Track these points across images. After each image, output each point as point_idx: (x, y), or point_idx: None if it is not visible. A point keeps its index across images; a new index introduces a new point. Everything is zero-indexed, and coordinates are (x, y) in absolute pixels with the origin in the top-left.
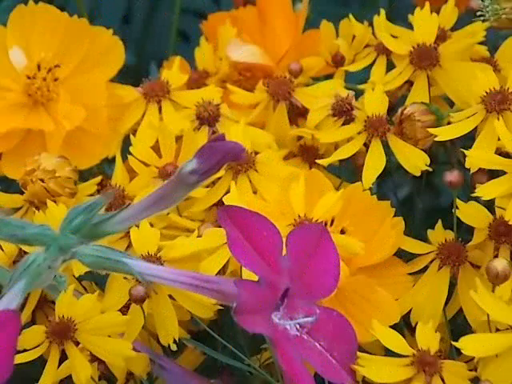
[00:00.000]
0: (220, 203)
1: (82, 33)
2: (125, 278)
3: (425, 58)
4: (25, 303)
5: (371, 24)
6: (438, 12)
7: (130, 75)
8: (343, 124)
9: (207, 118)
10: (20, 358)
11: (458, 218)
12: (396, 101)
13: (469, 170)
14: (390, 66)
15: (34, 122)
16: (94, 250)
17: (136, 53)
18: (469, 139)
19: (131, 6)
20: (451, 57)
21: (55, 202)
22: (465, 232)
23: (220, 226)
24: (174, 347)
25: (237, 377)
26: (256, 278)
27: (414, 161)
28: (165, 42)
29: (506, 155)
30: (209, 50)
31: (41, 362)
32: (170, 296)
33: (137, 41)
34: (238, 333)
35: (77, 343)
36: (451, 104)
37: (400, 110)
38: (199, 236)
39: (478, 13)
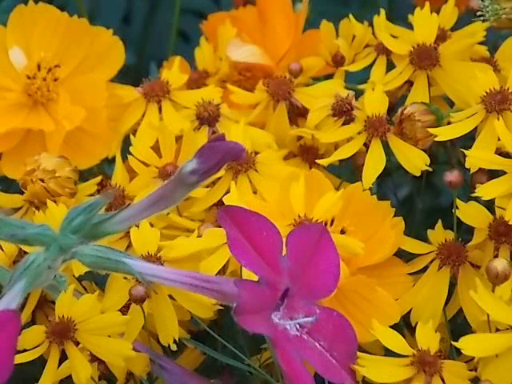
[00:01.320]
0: (220, 203)
1: (82, 33)
2: (125, 278)
3: (425, 57)
4: (25, 303)
5: (371, 24)
6: (438, 12)
7: (130, 75)
8: (343, 124)
9: (207, 117)
10: (20, 358)
11: (458, 218)
12: (396, 101)
13: (469, 170)
14: (390, 66)
15: (33, 122)
16: (94, 250)
17: (136, 53)
18: (469, 139)
19: (131, 6)
20: (451, 57)
21: (55, 201)
22: (465, 232)
23: (220, 226)
24: (173, 347)
25: (237, 377)
26: (256, 278)
27: (414, 161)
28: (165, 42)
29: (506, 155)
30: (209, 50)
31: (41, 361)
32: (170, 296)
33: (137, 41)
34: (237, 333)
35: (77, 343)
36: (451, 104)
37: (400, 110)
38: (199, 236)
39: (478, 13)
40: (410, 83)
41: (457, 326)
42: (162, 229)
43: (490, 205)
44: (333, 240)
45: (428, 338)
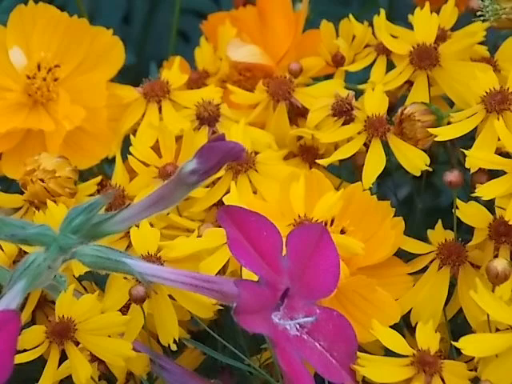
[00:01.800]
0: (220, 203)
1: (82, 33)
2: (125, 278)
3: (425, 57)
4: (25, 303)
5: (371, 24)
6: (438, 12)
7: (130, 75)
8: (343, 124)
9: (207, 117)
10: (20, 358)
11: (458, 218)
12: (396, 101)
13: (469, 170)
14: (390, 66)
15: (33, 122)
16: (94, 250)
17: (136, 53)
18: (469, 139)
19: (131, 6)
20: (451, 57)
21: (55, 201)
22: (465, 232)
23: (220, 226)
24: (174, 347)
25: (237, 377)
26: (256, 278)
27: (414, 161)
28: (165, 42)
29: (506, 155)
30: (209, 50)
31: (41, 361)
32: (170, 296)
33: (137, 41)
34: (237, 333)
35: (77, 343)
36: (451, 104)
37: (400, 110)
38: (199, 236)
39: (478, 13)
40: (410, 83)
41: (457, 326)
42: (162, 229)
43: (490, 205)
44: (333, 240)
45: (428, 338)
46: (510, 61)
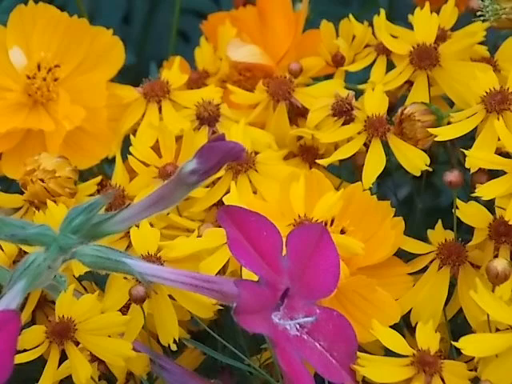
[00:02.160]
0: (220, 203)
1: (82, 33)
2: (125, 278)
3: (425, 57)
4: (25, 303)
5: (371, 24)
6: (438, 12)
7: (130, 75)
8: (343, 124)
9: (207, 117)
10: (20, 358)
11: (458, 218)
12: (396, 101)
13: (469, 169)
14: (390, 66)
15: (33, 122)
16: (94, 250)
17: (136, 53)
18: (469, 139)
19: (131, 6)
20: (451, 57)
21: (55, 201)
22: (465, 232)
23: (220, 226)
24: (174, 347)
25: (237, 377)
26: (256, 278)
27: (414, 161)
28: (165, 42)
29: (506, 155)
30: (209, 50)
31: (41, 361)
32: (170, 296)
33: (137, 41)
34: (237, 333)
35: (77, 343)
36: (451, 104)
37: (400, 110)
38: (199, 236)
39: (478, 13)
40: (410, 83)
41: (457, 326)
42: (162, 229)
43: (490, 205)
44: (333, 240)
45: (428, 338)
46: (510, 61)
